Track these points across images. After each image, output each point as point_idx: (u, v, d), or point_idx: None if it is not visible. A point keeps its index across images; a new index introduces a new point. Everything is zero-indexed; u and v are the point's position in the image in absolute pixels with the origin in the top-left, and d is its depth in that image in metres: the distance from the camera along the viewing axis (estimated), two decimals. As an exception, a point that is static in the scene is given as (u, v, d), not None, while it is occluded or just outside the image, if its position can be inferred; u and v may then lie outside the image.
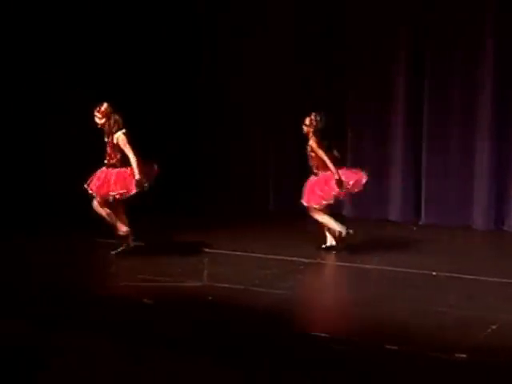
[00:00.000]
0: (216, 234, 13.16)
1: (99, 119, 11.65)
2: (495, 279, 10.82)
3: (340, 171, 11.85)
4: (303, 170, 12.57)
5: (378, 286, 10.63)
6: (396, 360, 8.12)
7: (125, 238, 11.87)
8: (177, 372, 7.38)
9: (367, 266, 11.42)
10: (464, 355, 8.03)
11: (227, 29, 15.60)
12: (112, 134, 11.60)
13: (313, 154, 11.87)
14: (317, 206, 11.95)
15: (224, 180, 15.70)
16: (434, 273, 11.00)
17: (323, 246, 12.17)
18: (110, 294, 10.23)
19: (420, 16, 14.09)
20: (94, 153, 12.00)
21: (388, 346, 8.33)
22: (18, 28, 14.67)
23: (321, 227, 12.18)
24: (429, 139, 14.05)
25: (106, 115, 11.64)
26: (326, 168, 11.81)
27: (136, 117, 13.14)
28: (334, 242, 12.14)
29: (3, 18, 14.45)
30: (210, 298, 10.01)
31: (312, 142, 11.85)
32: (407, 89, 14.19)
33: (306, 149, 11.95)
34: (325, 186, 11.91)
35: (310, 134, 11.91)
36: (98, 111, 11.64)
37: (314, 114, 11.98)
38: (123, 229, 11.77)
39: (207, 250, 12.21)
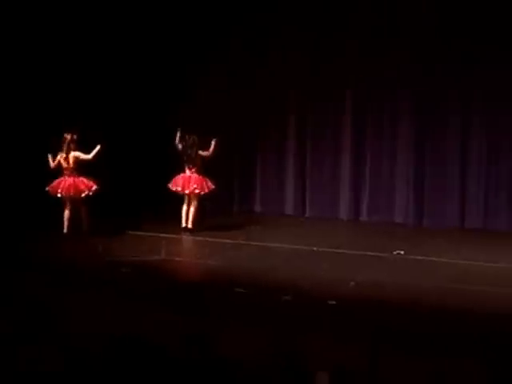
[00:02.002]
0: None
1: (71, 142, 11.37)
2: (354, 252, 11.01)
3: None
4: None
5: (277, 258, 10.71)
6: (288, 307, 8.35)
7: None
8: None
9: (269, 245, 11.43)
10: (334, 302, 8.46)
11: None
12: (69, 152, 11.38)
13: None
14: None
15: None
16: (314, 248, 11.12)
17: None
18: (100, 266, 10.10)
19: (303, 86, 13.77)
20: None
21: (285, 298, 8.60)
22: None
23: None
24: (310, 157, 13.79)
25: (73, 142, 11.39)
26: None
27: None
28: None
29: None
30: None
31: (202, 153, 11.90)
32: (297, 130, 13.87)
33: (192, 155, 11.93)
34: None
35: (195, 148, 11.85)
36: (72, 139, 11.37)
37: (192, 136, 11.92)
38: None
39: (165, 235, 11.86)
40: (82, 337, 5.66)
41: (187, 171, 11.97)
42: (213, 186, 12.05)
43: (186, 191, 11.92)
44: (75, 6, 12.91)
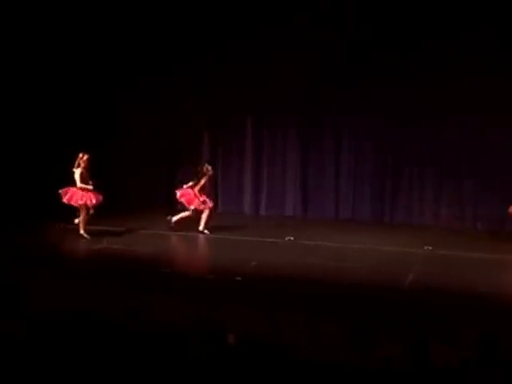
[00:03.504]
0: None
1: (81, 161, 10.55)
2: (255, 239, 11.04)
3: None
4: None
5: (196, 245, 10.62)
6: (205, 283, 8.32)
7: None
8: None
9: (190, 234, 11.15)
10: (240, 278, 8.52)
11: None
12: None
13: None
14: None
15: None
16: (225, 237, 11.11)
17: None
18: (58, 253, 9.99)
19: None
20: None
21: (210, 276, 8.68)
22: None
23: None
24: (221, 164, 13.63)
25: (83, 161, 10.55)
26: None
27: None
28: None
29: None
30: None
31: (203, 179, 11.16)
32: (209, 144, 13.77)
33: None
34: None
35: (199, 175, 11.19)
36: (82, 158, 10.54)
37: (206, 164, 11.47)
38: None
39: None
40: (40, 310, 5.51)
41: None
42: (195, 206, 11.24)
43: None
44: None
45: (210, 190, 11.78)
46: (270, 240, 10.98)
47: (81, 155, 10.64)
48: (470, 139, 12.16)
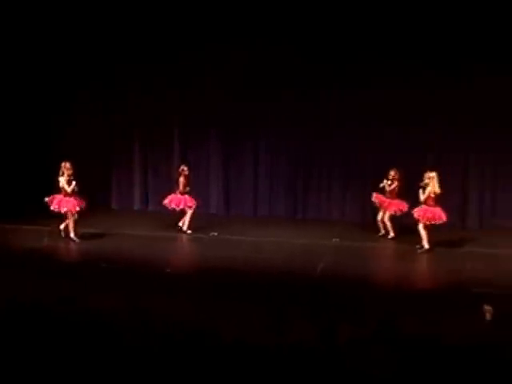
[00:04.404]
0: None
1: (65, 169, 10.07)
2: (182, 235, 10.86)
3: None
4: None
5: (131, 243, 10.31)
6: (138, 274, 8.13)
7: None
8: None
9: (125, 232, 10.96)
10: (169, 270, 8.46)
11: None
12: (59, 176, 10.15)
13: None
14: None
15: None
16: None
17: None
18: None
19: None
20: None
21: (142, 269, 8.54)
22: None
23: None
24: (151, 170, 13.30)
25: (66, 169, 10.03)
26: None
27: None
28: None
29: None
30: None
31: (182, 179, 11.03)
32: (140, 151, 13.41)
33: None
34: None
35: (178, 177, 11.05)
36: (65, 166, 10.06)
37: (183, 165, 11.20)
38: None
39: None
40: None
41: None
42: (189, 204, 11.04)
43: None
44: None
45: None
46: (196, 236, 10.86)
47: (63, 164, 10.15)
48: (374, 140, 12.35)
